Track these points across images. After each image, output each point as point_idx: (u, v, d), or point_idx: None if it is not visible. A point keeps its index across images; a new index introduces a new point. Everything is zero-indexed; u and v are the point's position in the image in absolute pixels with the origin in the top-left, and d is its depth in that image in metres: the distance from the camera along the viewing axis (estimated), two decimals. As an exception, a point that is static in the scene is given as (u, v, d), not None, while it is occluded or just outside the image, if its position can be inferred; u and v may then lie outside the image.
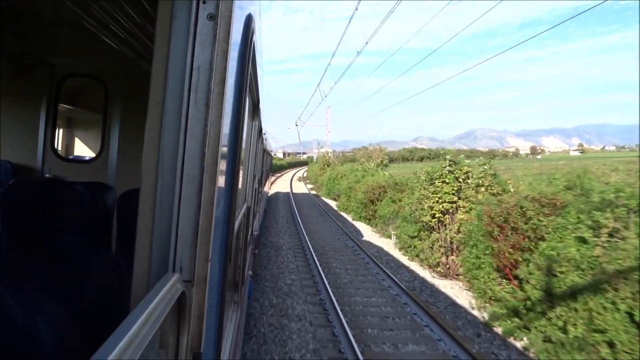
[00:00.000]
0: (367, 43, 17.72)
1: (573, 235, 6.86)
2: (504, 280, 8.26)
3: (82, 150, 7.11)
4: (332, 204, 29.41)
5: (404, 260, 12.85)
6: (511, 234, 8.05)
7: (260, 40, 2.95)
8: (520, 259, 7.71)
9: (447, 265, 11.22)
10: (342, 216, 23.18)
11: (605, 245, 6.32)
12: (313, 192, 39.86)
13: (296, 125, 53.30)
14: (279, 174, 65.72)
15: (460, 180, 11.83)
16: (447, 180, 11.86)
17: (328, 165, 44.89)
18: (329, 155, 46.65)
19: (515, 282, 7.88)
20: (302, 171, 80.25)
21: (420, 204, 12.72)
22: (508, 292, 7.92)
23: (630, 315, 5.47)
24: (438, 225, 11.90)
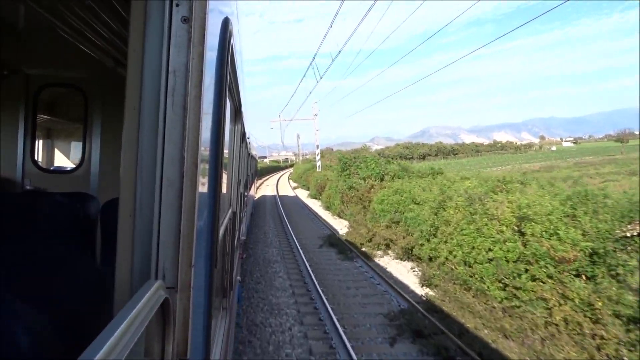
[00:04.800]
0: (345, 44, 18.01)
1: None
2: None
3: (64, 160, 6.98)
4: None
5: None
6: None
7: (240, 44, 2.94)
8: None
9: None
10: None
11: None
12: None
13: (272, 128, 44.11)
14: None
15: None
16: None
17: None
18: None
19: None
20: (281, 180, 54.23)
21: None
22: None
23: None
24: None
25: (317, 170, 40.29)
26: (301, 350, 6.75)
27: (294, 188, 43.52)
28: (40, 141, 6.42)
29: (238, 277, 5.21)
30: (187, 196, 1.08)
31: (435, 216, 11.24)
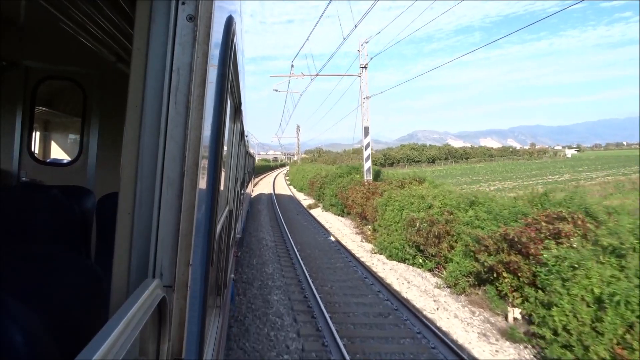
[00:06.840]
0: (349, 35, 17.84)
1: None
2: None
3: (61, 153, 6.95)
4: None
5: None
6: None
7: (242, 42, 2.93)
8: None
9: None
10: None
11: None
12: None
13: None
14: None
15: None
16: None
17: None
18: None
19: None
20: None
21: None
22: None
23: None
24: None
25: (366, 178, 19.13)
26: None
27: (309, 207, 25.92)
28: (38, 133, 6.39)
29: (232, 275, 5.21)
30: (187, 195, 1.07)
31: None
